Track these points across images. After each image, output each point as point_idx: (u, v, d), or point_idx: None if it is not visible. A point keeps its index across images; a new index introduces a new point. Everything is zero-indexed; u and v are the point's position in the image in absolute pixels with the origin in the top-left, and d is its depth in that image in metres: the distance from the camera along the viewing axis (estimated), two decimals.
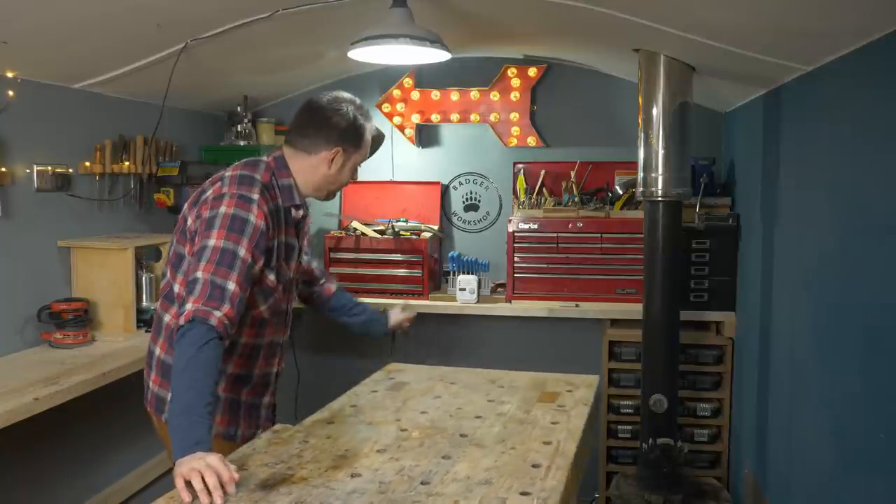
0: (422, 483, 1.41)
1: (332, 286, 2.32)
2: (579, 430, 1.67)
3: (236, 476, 1.34)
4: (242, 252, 1.66)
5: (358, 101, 1.94)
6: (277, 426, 1.74)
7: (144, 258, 2.93)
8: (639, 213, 3.06)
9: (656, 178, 2.74)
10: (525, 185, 3.57)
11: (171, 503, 1.33)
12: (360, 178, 3.82)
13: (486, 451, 1.56)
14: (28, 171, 2.54)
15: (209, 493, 1.30)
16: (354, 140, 1.90)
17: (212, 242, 1.66)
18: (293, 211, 1.91)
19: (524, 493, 1.36)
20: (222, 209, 1.70)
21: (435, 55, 2.47)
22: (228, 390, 1.90)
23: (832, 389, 2.03)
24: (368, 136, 1.93)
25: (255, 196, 1.74)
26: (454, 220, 3.82)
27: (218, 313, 1.57)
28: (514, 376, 2.13)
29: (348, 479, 1.42)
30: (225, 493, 1.31)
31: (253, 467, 1.47)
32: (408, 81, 3.67)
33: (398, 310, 2.41)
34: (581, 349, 3.64)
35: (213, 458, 1.34)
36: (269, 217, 1.76)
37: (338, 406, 1.90)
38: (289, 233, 1.89)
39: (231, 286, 1.61)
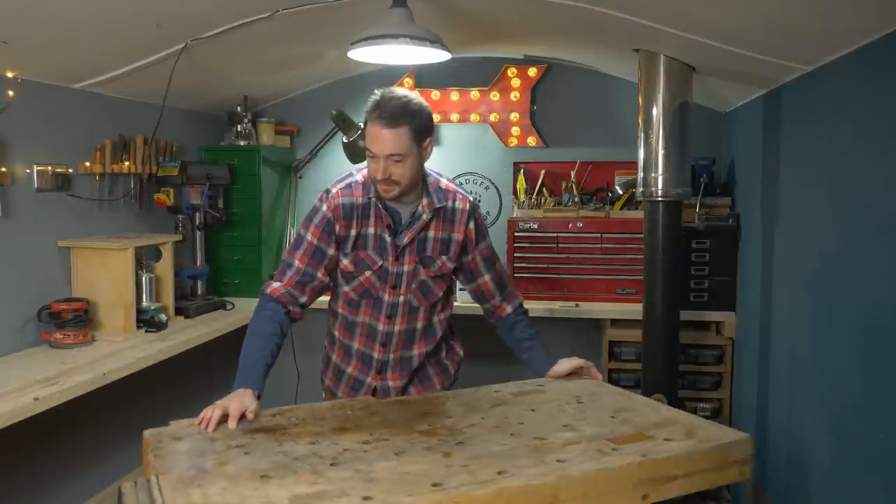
0: (366, 473, 1.40)
1: (509, 307, 2.14)
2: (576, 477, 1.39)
3: (250, 416, 1.66)
4: (309, 236, 1.98)
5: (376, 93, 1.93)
6: (361, 398, 1.95)
7: (144, 258, 2.93)
8: (639, 213, 3.06)
9: (656, 178, 2.74)
10: (525, 185, 3.57)
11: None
12: None
13: (471, 461, 1.45)
14: (28, 171, 2.54)
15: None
16: None
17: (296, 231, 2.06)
18: (386, 206, 1.96)
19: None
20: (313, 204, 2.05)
21: (435, 55, 2.47)
22: (340, 357, 2.12)
23: (832, 389, 2.03)
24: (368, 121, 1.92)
25: (334, 189, 1.99)
26: None
27: (276, 284, 1.97)
28: (645, 408, 1.78)
29: (309, 446, 1.54)
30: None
31: (281, 418, 1.70)
32: (408, 81, 3.67)
33: (568, 362, 2.05)
34: (581, 349, 3.63)
35: (235, 402, 1.67)
36: (344, 208, 1.96)
37: (438, 395, 1.96)
38: (378, 226, 1.97)
39: (295, 262, 1.97)
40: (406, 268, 2.00)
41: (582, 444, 1.54)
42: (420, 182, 1.98)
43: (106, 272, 2.70)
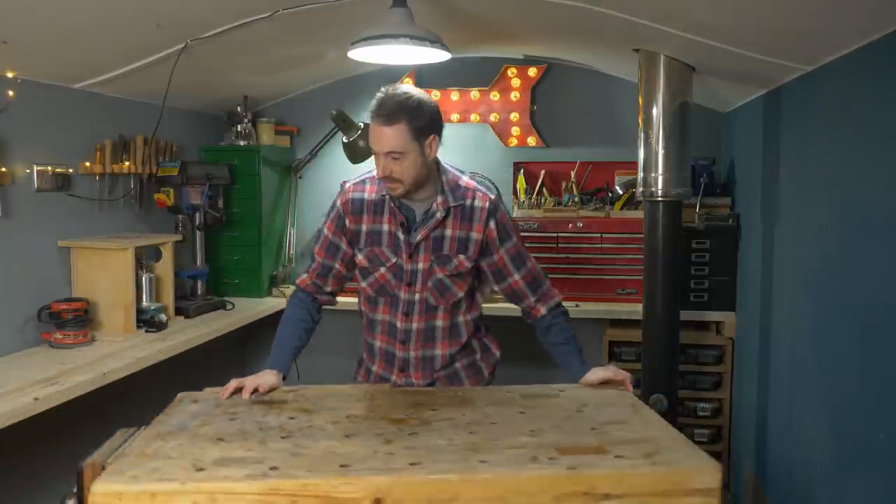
0: (303, 448, 1.49)
1: (543, 307, 2.05)
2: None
3: (262, 390, 1.83)
4: (325, 230, 2.07)
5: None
6: (382, 385, 2.04)
7: (144, 258, 2.93)
8: (639, 213, 3.06)
9: (656, 178, 2.73)
10: (525, 185, 3.57)
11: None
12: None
13: (402, 451, 1.48)
14: (28, 171, 2.54)
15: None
16: None
17: None
18: (401, 203, 1.98)
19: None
20: None
21: (435, 55, 2.47)
22: (367, 356, 2.16)
23: (832, 389, 2.03)
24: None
25: (348, 185, 2.05)
26: None
27: (304, 275, 2.11)
28: (639, 424, 1.66)
29: (285, 420, 1.65)
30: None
31: (292, 395, 1.85)
32: (408, 81, 3.67)
33: (601, 371, 1.95)
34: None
35: (252, 378, 1.84)
36: (353, 203, 2.01)
37: (449, 390, 1.98)
38: (390, 221, 1.99)
39: (316, 256, 2.09)
40: (421, 266, 1.99)
41: (524, 449, 1.47)
42: (432, 179, 1.96)
43: (106, 272, 2.70)
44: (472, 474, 1.35)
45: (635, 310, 2.98)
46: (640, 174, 2.79)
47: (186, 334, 2.82)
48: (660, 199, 2.74)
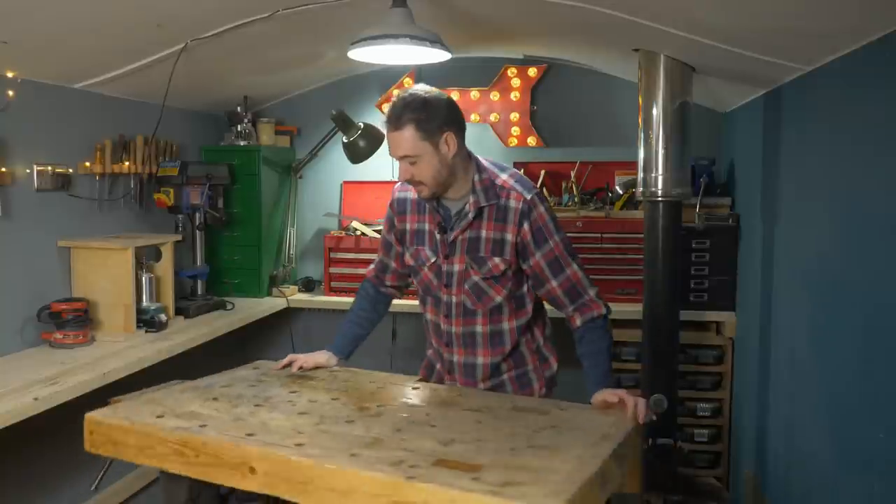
0: (263, 418, 1.65)
1: (579, 319, 1.95)
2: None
3: (306, 366, 2.04)
4: (383, 229, 2.17)
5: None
6: (408, 377, 2.13)
7: (144, 258, 2.93)
8: (639, 213, 3.06)
9: (656, 178, 2.73)
10: None
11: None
12: (359, 178, 3.84)
13: (316, 433, 1.57)
14: (28, 171, 2.54)
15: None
16: None
17: None
18: (439, 203, 1.98)
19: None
20: None
21: (435, 55, 2.47)
22: (432, 354, 2.18)
23: (832, 389, 2.03)
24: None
25: (397, 185, 2.08)
26: None
27: (371, 267, 2.24)
28: (570, 456, 1.49)
29: (288, 393, 1.84)
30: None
31: (327, 373, 2.03)
32: (408, 81, 3.67)
33: (608, 393, 1.80)
34: None
35: (304, 356, 2.06)
36: (399, 202, 2.07)
37: (465, 390, 2.00)
38: (430, 221, 1.99)
39: (378, 252, 2.20)
40: (456, 267, 1.96)
41: (409, 453, 1.46)
42: (462, 177, 1.92)
43: (106, 272, 2.70)
44: (327, 464, 1.41)
45: (635, 310, 2.98)
46: (640, 174, 2.79)
47: (186, 334, 2.83)
48: (660, 199, 2.74)
